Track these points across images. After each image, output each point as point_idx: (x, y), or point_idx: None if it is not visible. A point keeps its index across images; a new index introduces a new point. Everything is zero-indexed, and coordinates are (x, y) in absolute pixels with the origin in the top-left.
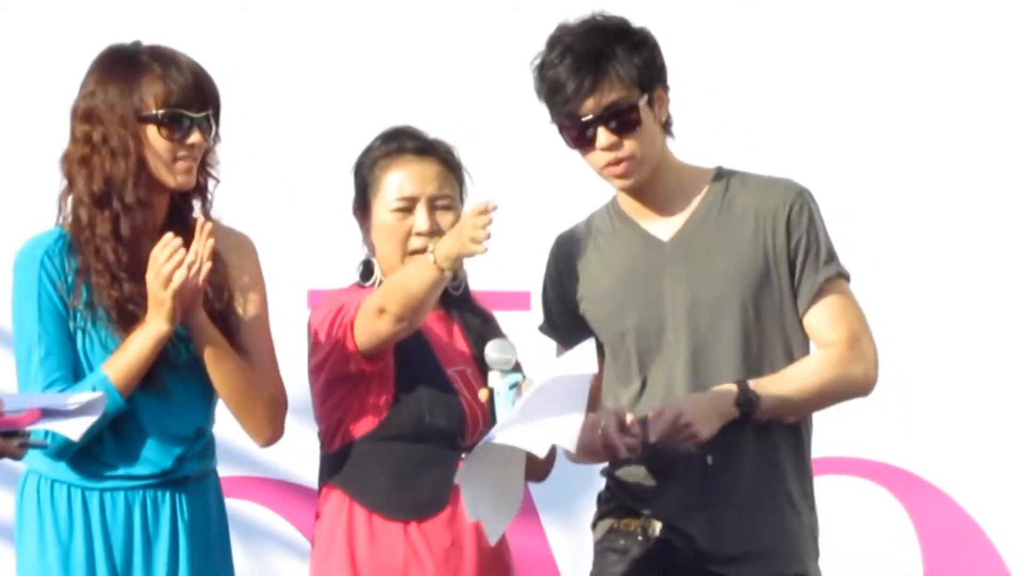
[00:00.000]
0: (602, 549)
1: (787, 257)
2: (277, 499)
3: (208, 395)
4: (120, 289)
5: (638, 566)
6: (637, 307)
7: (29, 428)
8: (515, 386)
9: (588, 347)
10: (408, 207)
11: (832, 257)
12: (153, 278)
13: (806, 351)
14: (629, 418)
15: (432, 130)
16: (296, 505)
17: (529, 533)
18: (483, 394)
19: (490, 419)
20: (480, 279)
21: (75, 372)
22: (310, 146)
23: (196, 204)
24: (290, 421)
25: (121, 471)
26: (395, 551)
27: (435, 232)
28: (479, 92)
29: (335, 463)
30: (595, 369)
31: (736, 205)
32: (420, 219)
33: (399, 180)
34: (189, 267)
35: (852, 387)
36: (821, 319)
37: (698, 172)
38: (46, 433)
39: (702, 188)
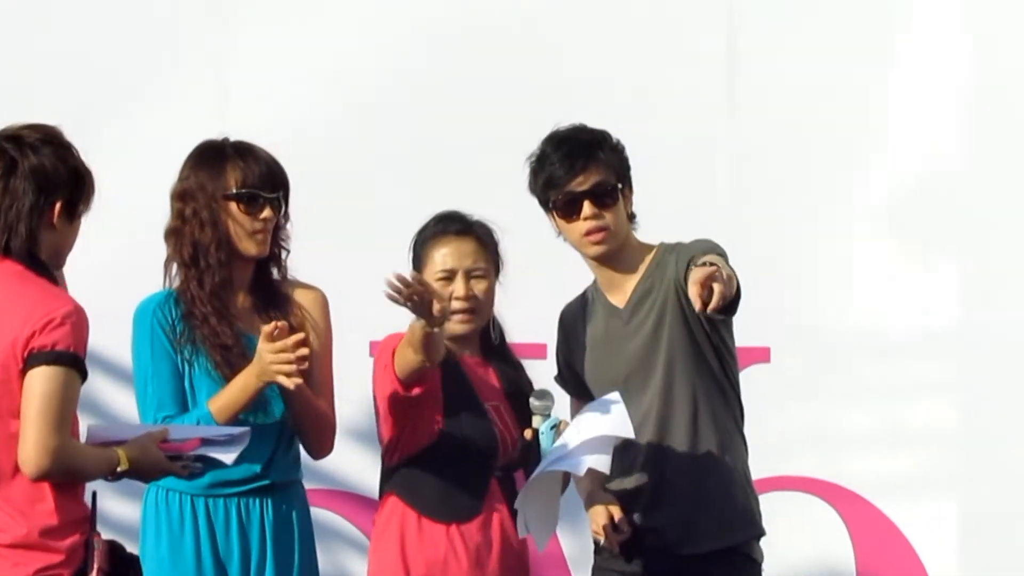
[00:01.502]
0: (599, 549)
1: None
2: (343, 505)
3: (284, 414)
4: (212, 329)
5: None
6: (609, 365)
7: (191, 453)
8: (554, 427)
9: (617, 401)
10: (449, 277)
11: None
12: (262, 355)
13: (724, 360)
14: (618, 515)
15: (467, 203)
16: (358, 510)
17: None
18: (527, 434)
19: (535, 455)
20: (505, 331)
21: (183, 400)
22: (377, 216)
23: (274, 270)
24: (354, 443)
25: (220, 479)
26: (438, 547)
27: (470, 297)
28: (505, 169)
29: (393, 475)
30: (629, 432)
31: (666, 272)
32: (459, 287)
33: (442, 255)
34: (289, 364)
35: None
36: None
37: (646, 248)
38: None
39: (644, 262)
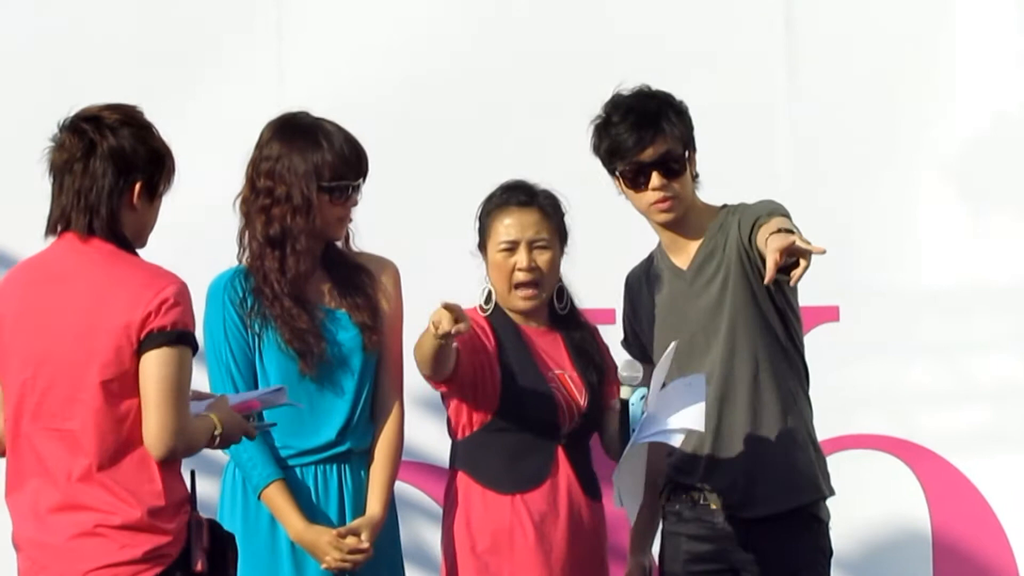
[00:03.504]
0: (665, 514)
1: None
2: (416, 476)
3: (361, 381)
4: (286, 310)
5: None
6: (672, 327)
7: (254, 413)
8: (643, 398)
9: (701, 389)
10: (512, 248)
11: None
12: (321, 539)
13: (787, 319)
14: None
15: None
16: (431, 480)
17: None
18: (615, 404)
19: (622, 424)
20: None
21: (254, 374)
22: (439, 186)
23: (339, 242)
24: (426, 413)
25: (294, 449)
26: (503, 518)
27: (532, 268)
28: (565, 133)
29: (459, 450)
30: (700, 426)
31: (730, 235)
32: (521, 257)
33: (505, 226)
34: (337, 560)
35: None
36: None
37: (710, 210)
38: (263, 416)
39: (708, 225)
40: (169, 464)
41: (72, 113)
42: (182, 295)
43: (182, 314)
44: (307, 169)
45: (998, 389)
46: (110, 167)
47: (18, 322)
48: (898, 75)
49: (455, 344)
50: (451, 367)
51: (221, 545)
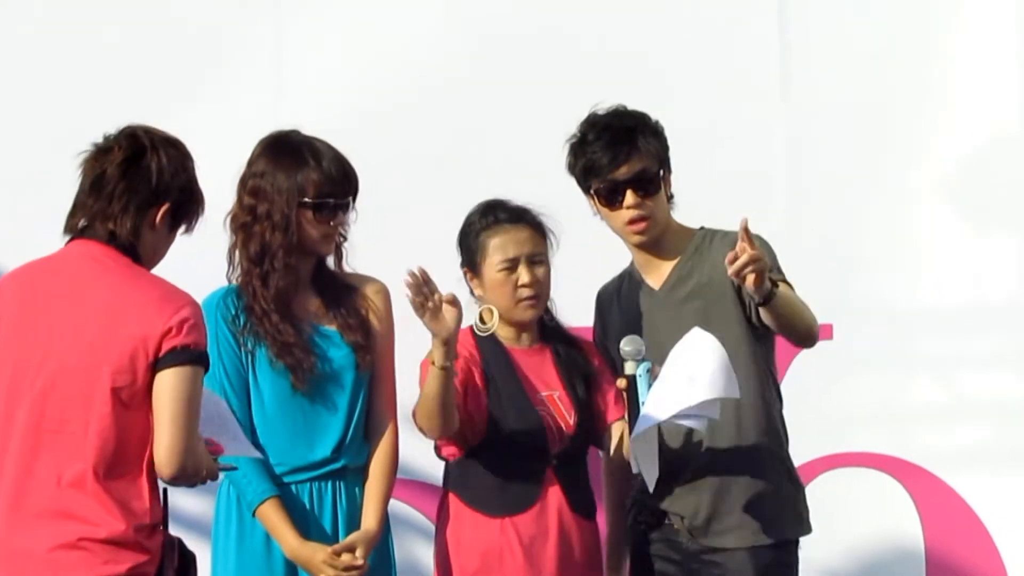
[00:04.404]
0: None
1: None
2: (410, 494)
3: (354, 398)
4: (274, 326)
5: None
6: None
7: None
8: (648, 371)
9: (704, 335)
10: (511, 266)
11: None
12: (316, 557)
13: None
14: None
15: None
16: (424, 498)
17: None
18: (621, 383)
19: (630, 401)
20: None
21: (247, 390)
22: (435, 201)
23: (330, 260)
24: (419, 431)
25: (289, 466)
26: (492, 541)
27: (535, 283)
28: (556, 150)
29: (450, 471)
30: (735, 392)
31: (705, 258)
32: (523, 274)
33: (501, 244)
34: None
35: (810, 327)
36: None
37: (685, 232)
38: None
39: (683, 247)
40: (153, 484)
41: (119, 125)
42: (199, 316)
43: (200, 335)
44: (290, 186)
45: (993, 407)
46: (148, 181)
47: (21, 320)
48: (893, 91)
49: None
50: (457, 418)
51: (185, 563)
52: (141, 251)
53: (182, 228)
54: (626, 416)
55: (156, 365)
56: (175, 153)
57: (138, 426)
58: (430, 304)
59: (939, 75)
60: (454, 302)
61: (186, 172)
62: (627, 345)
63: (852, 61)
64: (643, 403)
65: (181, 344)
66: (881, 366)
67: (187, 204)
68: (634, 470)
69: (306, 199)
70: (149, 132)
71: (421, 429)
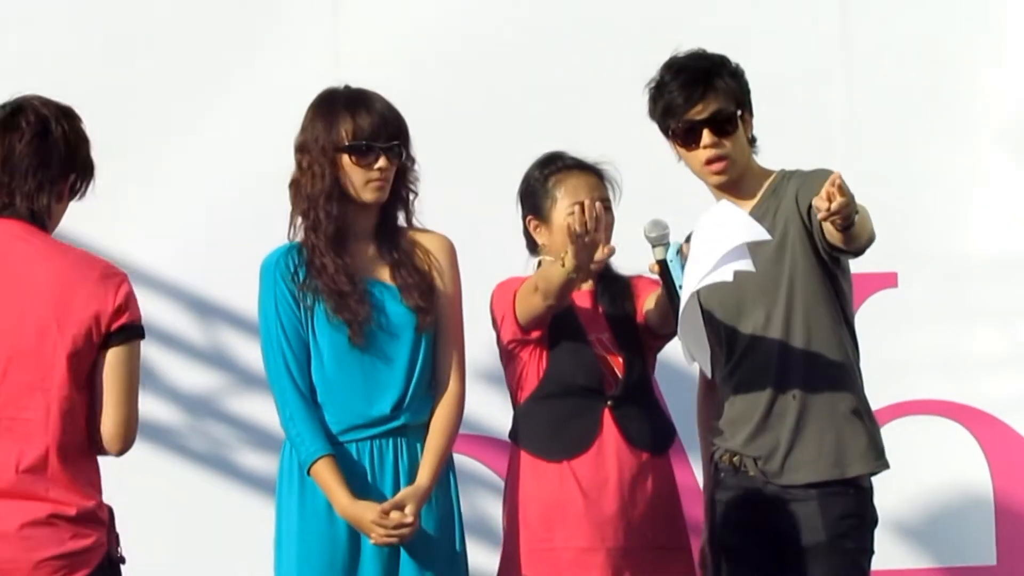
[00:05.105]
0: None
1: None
2: (479, 449)
3: (414, 354)
4: (329, 277)
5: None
6: (723, 288)
7: None
8: (678, 252)
9: (735, 210)
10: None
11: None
12: (365, 516)
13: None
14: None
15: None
16: (493, 454)
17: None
18: (653, 268)
19: (667, 287)
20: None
21: (306, 349)
22: (496, 155)
23: (400, 214)
24: (486, 385)
25: (348, 424)
26: (552, 486)
27: (607, 227)
28: (620, 103)
29: (516, 421)
30: (762, 234)
31: (781, 197)
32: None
33: (572, 189)
34: (384, 536)
35: (871, 239)
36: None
37: (765, 174)
38: None
39: (762, 189)
40: (94, 458)
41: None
42: (131, 287)
43: (137, 307)
44: (327, 134)
45: None
46: (57, 155)
47: None
48: (953, 41)
49: None
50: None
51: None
52: (50, 225)
53: (77, 196)
54: (666, 299)
55: (107, 342)
56: (74, 123)
57: (85, 405)
58: (587, 239)
59: (997, 26)
60: (611, 252)
61: (86, 141)
62: (651, 231)
63: (913, 9)
64: (680, 286)
65: (129, 321)
66: (945, 314)
67: (87, 172)
68: (688, 363)
69: (342, 144)
70: (47, 103)
71: (536, 289)
